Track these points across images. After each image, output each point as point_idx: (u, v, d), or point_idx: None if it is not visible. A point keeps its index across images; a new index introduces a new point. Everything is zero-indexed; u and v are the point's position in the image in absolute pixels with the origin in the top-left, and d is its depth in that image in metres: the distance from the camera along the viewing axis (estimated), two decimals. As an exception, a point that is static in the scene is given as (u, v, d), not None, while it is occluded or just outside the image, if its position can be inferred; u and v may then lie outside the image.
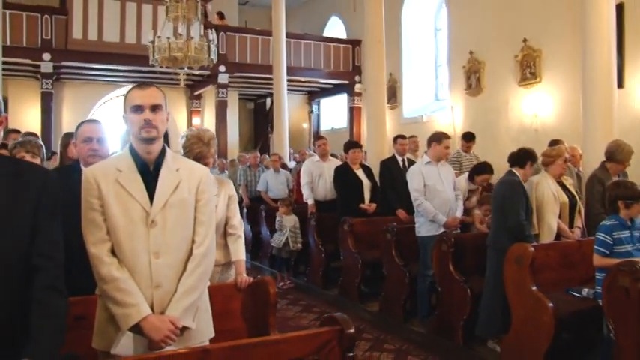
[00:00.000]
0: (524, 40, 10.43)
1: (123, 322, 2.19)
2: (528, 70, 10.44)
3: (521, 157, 4.90)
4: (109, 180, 2.29)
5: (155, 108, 2.30)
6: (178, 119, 15.79)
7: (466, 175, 6.19)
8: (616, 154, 5.31)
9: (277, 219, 7.91)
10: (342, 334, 2.28)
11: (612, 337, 3.73)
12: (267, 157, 12.21)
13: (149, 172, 2.33)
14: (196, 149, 3.35)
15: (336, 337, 2.27)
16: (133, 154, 2.35)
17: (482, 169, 6.09)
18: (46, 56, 12.63)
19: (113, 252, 2.26)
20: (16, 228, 1.92)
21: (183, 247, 2.33)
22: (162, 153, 2.37)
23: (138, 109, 2.29)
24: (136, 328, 2.19)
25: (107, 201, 2.26)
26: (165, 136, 2.43)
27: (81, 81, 14.54)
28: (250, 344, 2.19)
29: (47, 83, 12.90)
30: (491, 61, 11.40)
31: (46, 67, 12.72)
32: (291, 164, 11.87)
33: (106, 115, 15.83)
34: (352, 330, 2.29)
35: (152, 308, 2.23)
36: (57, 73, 13.17)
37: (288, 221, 7.82)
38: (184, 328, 2.25)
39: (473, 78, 11.78)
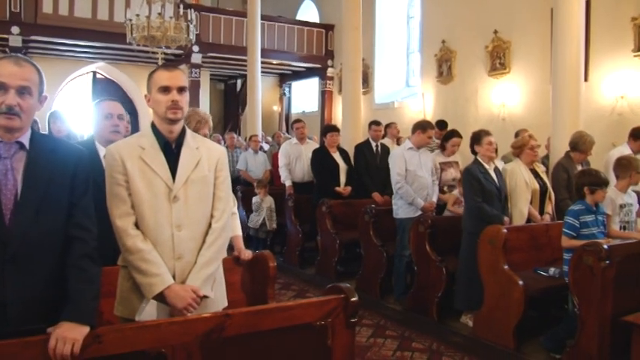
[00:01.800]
0: (495, 32, 10.77)
1: (147, 291, 2.35)
2: (498, 60, 10.80)
3: (472, 141, 5.27)
4: (133, 157, 2.42)
5: (181, 90, 2.46)
6: (149, 98, 15.68)
7: (437, 151, 6.47)
8: (579, 144, 5.68)
9: (255, 200, 8.09)
10: (347, 301, 2.51)
11: (576, 311, 4.07)
12: (240, 138, 12.33)
13: (171, 150, 2.47)
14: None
15: (341, 305, 2.50)
16: (155, 132, 2.48)
17: (450, 134, 6.42)
18: (15, 29, 12.35)
19: (137, 225, 2.41)
20: (57, 200, 2.10)
21: (203, 221, 2.50)
22: (183, 132, 2.53)
23: (165, 90, 2.43)
24: (160, 297, 2.35)
25: (132, 177, 2.40)
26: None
27: (50, 56, 14.28)
28: (267, 310, 2.41)
29: (15, 58, 12.64)
30: (462, 50, 11.71)
31: (15, 40, 12.44)
32: (265, 146, 12.01)
33: (75, 93, 15.68)
34: (355, 298, 2.53)
35: (174, 278, 2.39)
36: (26, 47, 12.91)
37: (265, 202, 8.02)
38: (203, 297, 2.42)
39: (444, 66, 12.09)
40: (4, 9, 12.21)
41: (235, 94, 18.41)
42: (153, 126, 2.51)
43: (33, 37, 12.61)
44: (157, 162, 2.44)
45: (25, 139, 2.09)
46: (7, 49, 12.50)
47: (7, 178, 2.02)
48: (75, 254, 2.11)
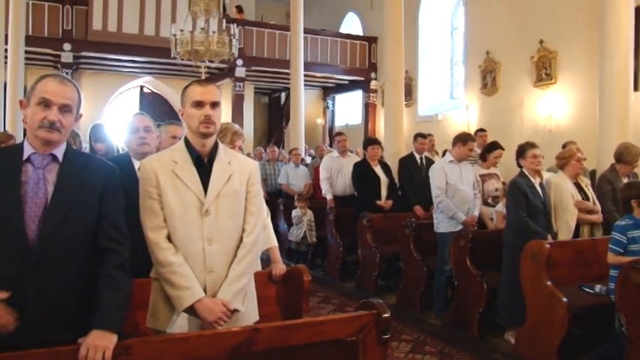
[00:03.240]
0: (541, 42, 10.57)
1: (178, 304, 2.37)
2: (544, 71, 10.58)
3: (517, 154, 5.13)
4: (166, 171, 2.45)
5: (214, 105, 2.49)
6: (193, 111, 15.97)
7: (476, 165, 6.36)
8: (624, 155, 5.53)
9: (295, 213, 8.10)
10: (379, 317, 2.47)
11: (624, 330, 3.91)
12: (283, 151, 12.41)
13: (203, 164, 2.50)
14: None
15: (373, 321, 2.46)
16: (188, 146, 2.51)
17: (493, 146, 6.30)
18: (67, 46, 12.84)
19: (169, 238, 2.43)
20: (86, 212, 2.17)
21: (235, 235, 2.51)
22: (215, 146, 2.55)
23: (199, 104, 2.46)
24: (191, 310, 2.37)
25: (164, 190, 2.43)
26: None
27: (99, 71, 14.76)
28: (297, 325, 2.39)
29: (67, 73, 13.04)
30: (507, 61, 11.53)
31: (67, 57, 12.93)
32: (307, 159, 12.04)
33: (123, 106, 16.11)
34: (388, 314, 2.49)
35: (205, 291, 2.40)
36: (76, 63, 13.39)
37: (306, 215, 8.03)
38: (234, 311, 2.42)
39: (488, 77, 11.92)
40: (56, 27, 12.71)
41: (279, 107, 18.57)
42: (186, 140, 2.55)
43: (83, 53, 13.05)
44: (190, 176, 2.47)
45: (59, 152, 2.18)
46: (59, 65, 12.99)
47: (39, 186, 2.10)
48: (107, 265, 2.18)
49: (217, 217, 2.46)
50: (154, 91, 16.51)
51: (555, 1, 10.35)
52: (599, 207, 5.21)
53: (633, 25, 6.74)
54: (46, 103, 2.11)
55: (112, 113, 15.56)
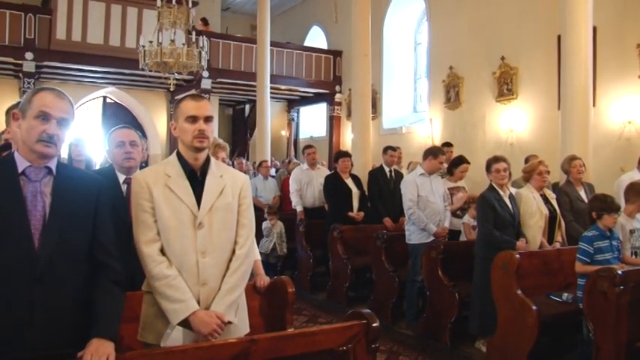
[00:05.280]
0: (502, 58, 10.88)
1: (173, 317, 2.39)
2: (505, 86, 10.88)
3: (485, 169, 5.31)
4: (159, 184, 2.49)
5: (207, 119, 2.53)
6: (158, 123, 15.88)
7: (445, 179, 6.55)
8: (565, 166, 5.97)
9: (265, 225, 8.13)
10: (368, 327, 2.54)
11: (591, 337, 4.08)
12: (248, 163, 12.42)
13: (196, 178, 2.54)
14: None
15: (363, 330, 2.53)
16: (181, 160, 2.55)
17: (459, 160, 6.56)
18: (29, 55, 12.55)
19: (162, 251, 2.47)
20: (81, 225, 2.18)
21: (228, 247, 2.55)
22: (207, 160, 2.60)
23: (193, 119, 2.50)
24: (185, 323, 2.39)
25: (158, 204, 2.46)
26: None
27: (61, 81, 14.48)
28: (292, 335, 2.45)
29: (28, 83, 12.83)
30: (470, 76, 11.82)
31: (29, 66, 12.65)
32: (272, 171, 12.06)
33: (85, 117, 15.85)
34: (377, 324, 2.57)
35: (198, 304, 2.43)
36: (39, 72, 13.13)
37: (275, 227, 8.07)
38: (227, 323, 2.46)
39: (452, 92, 12.18)
40: (18, 35, 12.43)
41: (243, 119, 18.55)
42: (178, 154, 2.58)
43: (46, 63, 12.80)
44: (183, 189, 2.50)
45: (52, 165, 2.19)
46: (20, 75, 12.72)
47: (37, 200, 2.10)
48: (104, 278, 2.21)
49: (211, 229, 2.50)
50: (117, 101, 16.31)
51: (516, 20, 10.69)
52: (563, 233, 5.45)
53: (592, 45, 7.04)
54: (44, 117, 2.10)
55: (73, 124, 15.28)
